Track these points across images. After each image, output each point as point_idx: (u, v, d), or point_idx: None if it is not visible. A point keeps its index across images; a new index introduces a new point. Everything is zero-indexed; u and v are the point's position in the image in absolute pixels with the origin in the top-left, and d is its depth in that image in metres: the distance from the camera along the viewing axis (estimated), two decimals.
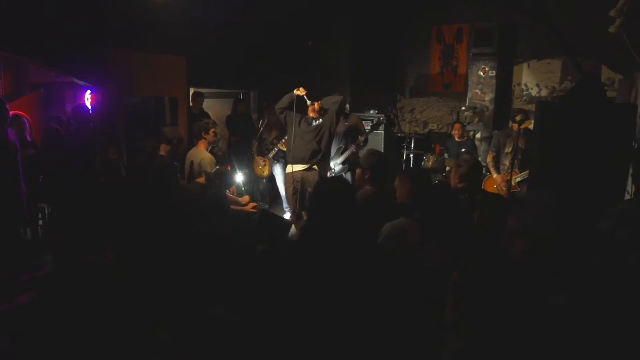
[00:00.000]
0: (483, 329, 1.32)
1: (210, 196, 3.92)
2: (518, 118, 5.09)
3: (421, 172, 3.13)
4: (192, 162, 4.51)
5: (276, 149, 6.15)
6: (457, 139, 6.43)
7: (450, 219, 1.81)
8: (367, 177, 3.04)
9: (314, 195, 2.17)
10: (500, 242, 1.51)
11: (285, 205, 6.42)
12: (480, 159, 5.77)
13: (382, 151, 6.74)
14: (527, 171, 4.80)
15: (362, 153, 5.27)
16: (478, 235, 1.86)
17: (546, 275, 1.36)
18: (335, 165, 5.71)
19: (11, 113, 5.54)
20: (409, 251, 2.08)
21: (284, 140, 5.98)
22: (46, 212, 5.19)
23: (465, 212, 2.07)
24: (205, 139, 4.59)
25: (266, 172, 6.35)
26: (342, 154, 5.67)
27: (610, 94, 5.83)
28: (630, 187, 3.61)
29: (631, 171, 3.42)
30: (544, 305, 1.32)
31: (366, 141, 5.69)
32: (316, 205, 2.13)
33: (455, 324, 1.33)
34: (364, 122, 6.34)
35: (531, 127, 5.12)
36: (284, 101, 4.75)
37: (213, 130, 4.64)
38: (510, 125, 5.36)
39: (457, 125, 6.46)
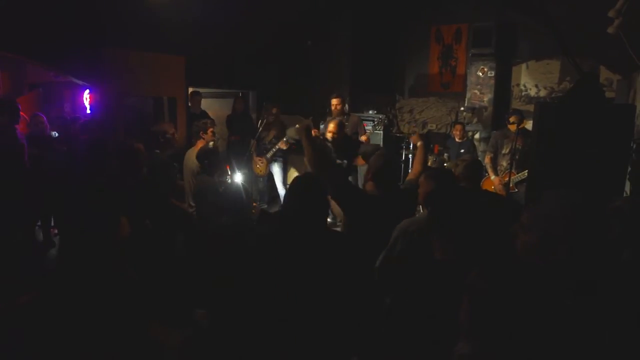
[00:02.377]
0: (495, 333, 1.33)
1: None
2: (512, 119, 5.09)
3: (445, 173, 3.11)
4: (190, 163, 4.50)
5: (275, 149, 6.15)
6: (457, 140, 6.44)
7: (464, 218, 1.81)
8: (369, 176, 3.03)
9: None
10: (506, 242, 1.52)
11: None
12: (479, 159, 5.78)
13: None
14: (525, 171, 4.81)
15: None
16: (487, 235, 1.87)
17: (559, 279, 1.36)
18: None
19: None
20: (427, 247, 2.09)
21: (284, 139, 6.00)
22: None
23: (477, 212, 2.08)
24: (203, 138, 4.59)
25: (263, 171, 6.36)
26: None
27: (609, 94, 5.84)
28: (628, 187, 3.62)
29: (629, 169, 3.43)
30: (556, 309, 1.32)
31: (368, 141, 5.70)
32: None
33: (467, 326, 1.33)
34: (363, 122, 6.35)
35: (528, 127, 5.13)
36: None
37: (211, 130, 4.64)
38: (507, 126, 5.37)
39: (458, 126, 6.47)
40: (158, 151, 4.32)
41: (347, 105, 7.51)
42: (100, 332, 1.97)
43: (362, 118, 6.53)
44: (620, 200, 1.85)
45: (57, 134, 5.48)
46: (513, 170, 4.87)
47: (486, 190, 4.65)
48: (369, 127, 6.73)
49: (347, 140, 5.15)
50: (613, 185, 2.82)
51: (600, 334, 1.30)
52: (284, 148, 6.12)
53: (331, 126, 5.02)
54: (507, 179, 4.98)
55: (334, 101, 5.77)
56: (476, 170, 3.14)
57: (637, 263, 1.63)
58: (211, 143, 4.80)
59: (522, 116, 5.19)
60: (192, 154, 4.53)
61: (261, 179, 6.53)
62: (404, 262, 2.25)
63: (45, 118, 5.21)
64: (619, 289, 1.39)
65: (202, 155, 3.99)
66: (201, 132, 4.61)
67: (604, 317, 1.32)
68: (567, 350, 1.30)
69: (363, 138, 5.60)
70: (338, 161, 5.08)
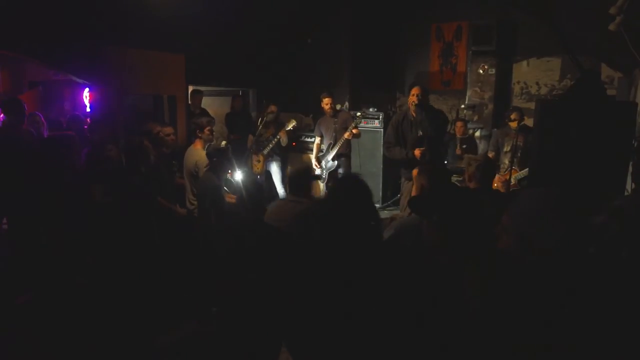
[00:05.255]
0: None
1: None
2: (513, 116, 5.09)
3: (440, 168, 3.08)
4: (188, 162, 4.51)
5: (271, 145, 6.15)
6: (458, 135, 6.44)
7: (468, 220, 1.79)
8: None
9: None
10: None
11: None
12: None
13: (381, 150, 6.73)
14: (527, 169, 4.80)
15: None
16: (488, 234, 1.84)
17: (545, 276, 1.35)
18: (326, 162, 5.73)
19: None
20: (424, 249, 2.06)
21: (277, 138, 6.02)
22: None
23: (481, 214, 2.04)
24: (200, 137, 4.55)
25: (260, 169, 6.34)
26: (332, 149, 5.70)
27: (610, 91, 5.81)
28: (629, 186, 3.61)
29: (631, 169, 3.41)
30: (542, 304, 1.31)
31: (358, 135, 5.69)
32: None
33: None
34: (363, 121, 6.34)
35: (528, 123, 5.12)
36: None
37: (208, 128, 4.61)
38: (508, 123, 5.36)
39: (459, 123, 6.48)
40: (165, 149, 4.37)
41: (347, 104, 7.50)
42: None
43: (363, 116, 6.51)
44: (620, 200, 1.84)
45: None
46: (515, 168, 4.87)
47: (496, 191, 4.60)
48: (367, 124, 6.76)
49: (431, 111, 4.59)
50: (614, 182, 2.81)
51: (598, 333, 1.29)
52: (283, 138, 6.12)
53: (414, 90, 4.52)
54: (508, 176, 4.98)
55: (325, 100, 5.79)
56: (487, 172, 3.09)
57: (634, 262, 1.62)
58: (223, 142, 4.81)
59: (522, 113, 5.18)
60: (190, 154, 4.51)
61: (258, 177, 6.51)
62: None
63: (42, 117, 5.21)
64: (617, 288, 1.38)
65: (212, 153, 4.04)
66: (197, 130, 4.57)
67: (602, 317, 1.31)
68: (566, 348, 1.29)
69: (351, 132, 5.55)
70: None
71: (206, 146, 4.55)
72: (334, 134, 5.70)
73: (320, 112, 6.00)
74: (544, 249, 1.34)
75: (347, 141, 5.71)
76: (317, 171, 5.82)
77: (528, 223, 1.38)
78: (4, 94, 6.50)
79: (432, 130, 4.35)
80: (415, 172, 2.72)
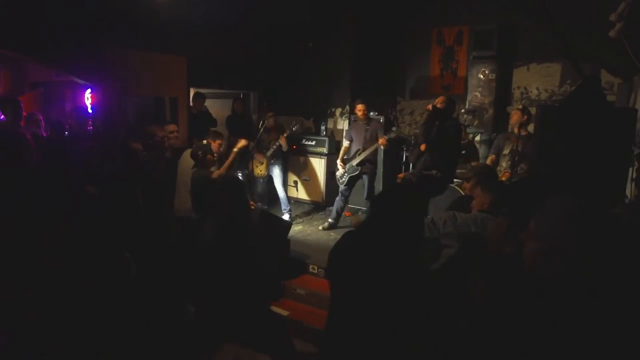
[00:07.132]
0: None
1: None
2: (519, 107, 5.20)
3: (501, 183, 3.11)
4: (183, 163, 4.55)
5: (274, 147, 6.17)
6: None
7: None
8: None
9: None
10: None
11: (283, 206, 6.42)
12: (480, 161, 5.81)
13: (382, 153, 6.75)
14: (522, 172, 4.87)
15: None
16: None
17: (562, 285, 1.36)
18: (350, 166, 5.77)
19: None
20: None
21: (285, 135, 6.05)
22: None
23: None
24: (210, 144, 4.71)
25: (263, 172, 6.35)
26: (359, 155, 5.77)
27: (609, 97, 5.84)
28: (629, 192, 3.62)
29: (634, 175, 3.43)
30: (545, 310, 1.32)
31: (385, 144, 5.74)
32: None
33: None
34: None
35: (530, 129, 5.14)
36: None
37: (219, 142, 4.76)
38: (510, 129, 5.41)
39: None
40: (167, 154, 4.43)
41: (348, 107, 7.50)
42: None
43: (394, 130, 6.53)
44: (619, 206, 1.85)
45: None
46: (507, 170, 4.94)
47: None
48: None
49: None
50: (614, 188, 2.82)
51: (599, 337, 1.30)
52: (283, 144, 6.14)
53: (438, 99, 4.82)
54: (504, 178, 5.01)
55: (359, 106, 5.85)
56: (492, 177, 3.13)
57: (631, 267, 1.63)
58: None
59: (527, 111, 5.25)
60: (188, 155, 4.56)
61: (261, 180, 6.52)
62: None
63: (41, 117, 5.23)
64: (616, 293, 1.39)
65: (197, 148, 4.15)
66: (210, 139, 4.74)
67: (603, 321, 1.32)
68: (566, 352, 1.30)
69: (381, 141, 5.62)
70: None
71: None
72: (363, 141, 5.75)
73: (323, 115, 6.02)
74: (570, 255, 1.35)
75: (375, 149, 5.76)
76: (340, 172, 5.87)
77: (555, 230, 1.39)
78: (7, 94, 6.50)
79: (436, 139, 4.48)
80: (476, 191, 2.69)
